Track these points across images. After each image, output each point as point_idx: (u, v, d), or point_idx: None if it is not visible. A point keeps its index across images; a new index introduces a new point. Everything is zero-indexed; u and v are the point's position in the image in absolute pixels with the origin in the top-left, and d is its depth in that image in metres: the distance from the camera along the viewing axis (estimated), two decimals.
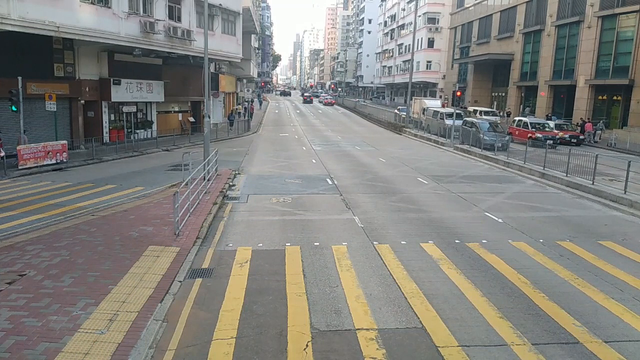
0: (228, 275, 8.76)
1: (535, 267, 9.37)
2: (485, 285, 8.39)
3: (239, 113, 42.71)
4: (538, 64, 40.37)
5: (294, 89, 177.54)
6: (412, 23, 53.14)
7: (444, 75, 62.61)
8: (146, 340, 6.28)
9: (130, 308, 7.09)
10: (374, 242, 10.69)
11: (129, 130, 28.34)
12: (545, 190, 17.02)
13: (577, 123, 32.55)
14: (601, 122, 31.59)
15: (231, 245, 10.49)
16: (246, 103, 49.03)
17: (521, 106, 42.53)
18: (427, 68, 67.46)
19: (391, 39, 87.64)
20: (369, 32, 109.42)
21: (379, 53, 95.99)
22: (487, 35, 49.19)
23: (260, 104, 70.99)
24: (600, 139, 30.64)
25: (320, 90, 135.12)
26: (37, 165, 19.61)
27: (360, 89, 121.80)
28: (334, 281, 8.50)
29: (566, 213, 13.71)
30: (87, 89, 25.16)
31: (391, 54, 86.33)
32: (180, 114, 33.92)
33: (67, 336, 6.24)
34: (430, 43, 67.52)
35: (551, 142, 24.84)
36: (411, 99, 43.84)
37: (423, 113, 37.97)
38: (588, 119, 32.94)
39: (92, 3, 21.54)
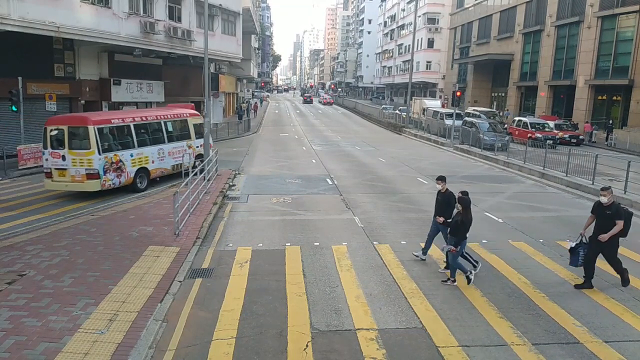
0: (228, 275, 8.76)
1: (535, 267, 9.37)
2: (485, 285, 8.39)
3: (244, 110, 45.26)
4: (538, 64, 40.37)
5: (294, 89, 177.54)
6: (412, 23, 53.12)
7: (444, 76, 62.61)
8: (146, 340, 6.28)
9: (130, 308, 7.08)
10: (374, 242, 10.69)
11: None
12: (545, 190, 17.01)
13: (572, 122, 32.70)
14: (595, 125, 31.76)
15: (231, 245, 10.49)
16: (246, 103, 50.30)
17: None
18: (427, 68, 67.43)
19: (391, 39, 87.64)
20: (369, 33, 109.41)
21: (379, 53, 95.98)
22: (487, 36, 49.20)
23: (261, 103, 72.04)
24: (596, 139, 30.72)
25: (321, 91, 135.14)
26: (37, 165, 19.58)
27: (360, 89, 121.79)
28: (334, 281, 8.50)
29: (566, 213, 13.70)
30: (87, 89, 25.14)
31: (391, 54, 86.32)
32: None
33: (67, 336, 6.24)
34: (430, 43, 67.50)
35: (551, 142, 24.84)
36: (411, 99, 43.83)
37: (423, 113, 37.96)
38: (554, 114, 33.20)
39: (92, 3, 21.53)
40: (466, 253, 8.95)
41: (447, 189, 9.52)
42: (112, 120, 15.47)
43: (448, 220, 8.77)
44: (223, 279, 8.59)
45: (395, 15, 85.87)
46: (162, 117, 17.47)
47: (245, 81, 63.80)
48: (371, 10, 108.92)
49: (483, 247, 10.39)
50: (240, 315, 7.18)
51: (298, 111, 66.24)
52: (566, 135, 28.72)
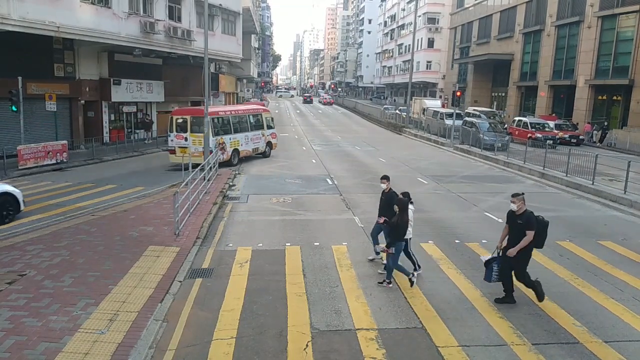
0: (228, 275, 8.76)
1: (535, 267, 9.31)
2: (485, 285, 8.38)
3: None
4: (538, 64, 40.33)
5: (294, 88, 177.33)
6: (412, 23, 53.10)
7: (444, 76, 62.57)
8: (146, 340, 6.29)
9: (130, 308, 7.09)
10: None
11: (129, 130, 28.35)
12: (545, 190, 17.01)
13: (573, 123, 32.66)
14: (595, 125, 31.74)
15: (231, 245, 10.49)
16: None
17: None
18: (427, 68, 67.40)
19: (391, 39, 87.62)
20: (369, 32, 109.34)
21: (379, 53, 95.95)
22: (487, 36, 49.16)
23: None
24: (596, 139, 30.70)
25: (321, 91, 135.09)
26: (37, 165, 19.61)
27: (360, 89, 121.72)
28: (334, 281, 8.51)
29: (566, 213, 13.71)
30: (87, 89, 25.17)
31: (391, 54, 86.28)
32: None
33: (67, 336, 6.25)
34: (430, 43, 67.45)
35: (551, 142, 24.83)
36: (411, 99, 43.82)
37: (423, 113, 37.96)
38: (555, 114, 33.25)
39: (92, 3, 21.55)
40: (413, 255, 8.80)
41: (390, 189, 9.25)
42: (219, 113, 21.14)
43: (390, 221, 8.62)
44: (223, 279, 8.60)
45: (395, 15, 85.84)
46: (247, 111, 23.46)
47: (245, 81, 63.83)
48: (371, 10, 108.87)
49: (483, 247, 10.39)
50: (240, 315, 7.19)
51: (298, 111, 66.20)
52: (566, 135, 28.71)
